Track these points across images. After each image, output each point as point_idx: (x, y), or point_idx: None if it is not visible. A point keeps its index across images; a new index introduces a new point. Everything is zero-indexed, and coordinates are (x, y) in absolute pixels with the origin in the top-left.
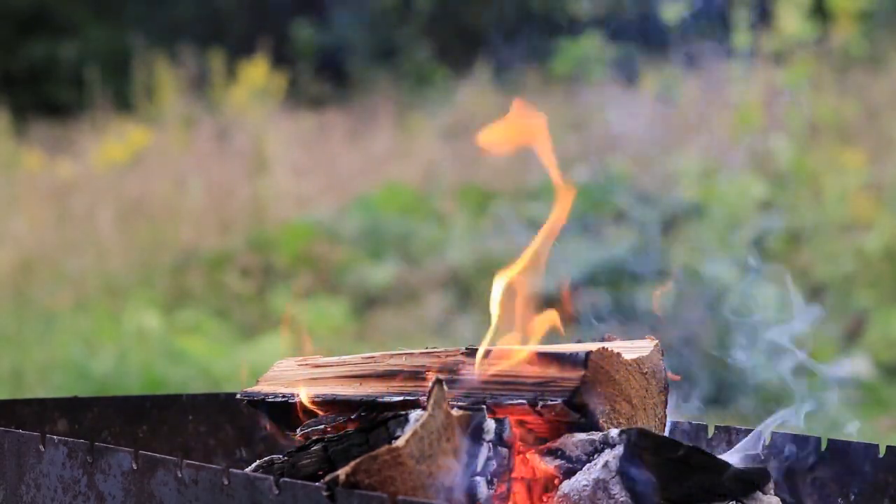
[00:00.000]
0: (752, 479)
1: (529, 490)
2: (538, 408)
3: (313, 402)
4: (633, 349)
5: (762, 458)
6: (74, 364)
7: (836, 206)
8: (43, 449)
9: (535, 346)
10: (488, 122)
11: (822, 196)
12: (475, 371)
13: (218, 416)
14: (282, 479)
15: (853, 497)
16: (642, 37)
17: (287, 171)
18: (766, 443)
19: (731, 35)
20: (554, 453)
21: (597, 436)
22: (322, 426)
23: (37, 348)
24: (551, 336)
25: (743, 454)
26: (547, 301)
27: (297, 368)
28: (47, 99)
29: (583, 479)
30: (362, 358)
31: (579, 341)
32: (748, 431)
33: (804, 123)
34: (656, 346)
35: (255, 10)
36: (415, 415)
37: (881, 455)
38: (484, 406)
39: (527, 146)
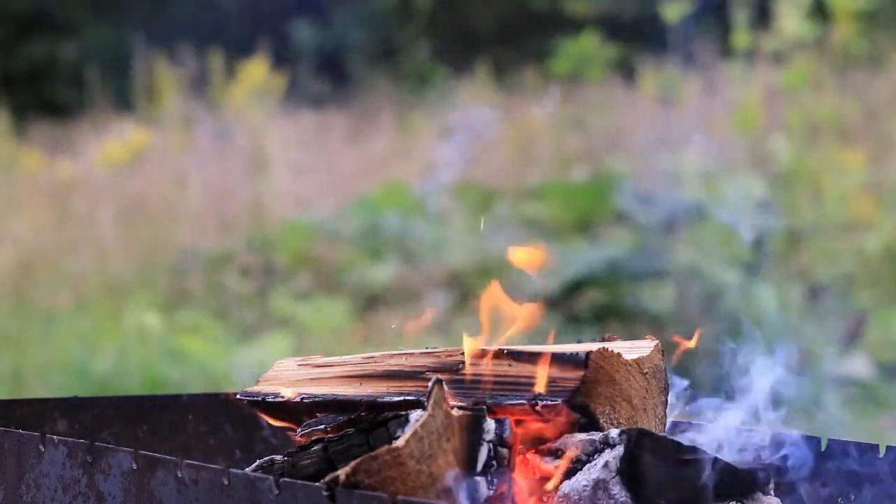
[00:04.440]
0: (752, 479)
1: (529, 490)
2: (538, 408)
3: (312, 403)
4: (634, 349)
5: (762, 458)
6: (74, 364)
7: (836, 206)
8: (43, 449)
9: (536, 346)
10: (488, 122)
11: (822, 196)
12: (476, 371)
13: (218, 416)
14: (282, 479)
15: (853, 497)
16: (642, 37)
17: (287, 171)
18: (766, 442)
19: (731, 35)
20: (554, 453)
21: (597, 436)
22: (322, 426)
23: (37, 348)
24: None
25: (743, 454)
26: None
27: (297, 368)
28: (47, 99)
29: (583, 479)
30: (362, 358)
31: (579, 341)
32: (748, 431)
33: (804, 123)
34: (657, 346)
35: (255, 10)
36: (415, 415)
37: (881, 455)
38: (484, 406)
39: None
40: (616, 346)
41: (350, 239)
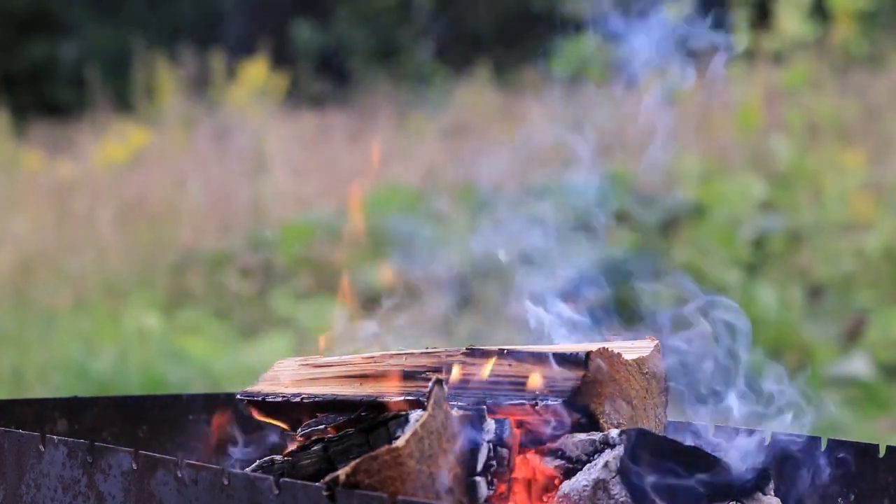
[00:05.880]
0: (752, 479)
1: (529, 490)
2: (538, 408)
3: (312, 403)
4: (634, 349)
5: (762, 458)
6: (74, 364)
7: (836, 206)
8: (43, 449)
9: (536, 346)
10: (488, 121)
11: (822, 196)
12: (476, 371)
13: (218, 416)
14: (282, 479)
15: (853, 497)
16: (642, 37)
17: (287, 171)
18: (766, 442)
19: (731, 35)
20: (554, 453)
21: (597, 436)
22: (322, 426)
23: (37, 348)
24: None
25: (743, 454)
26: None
27: (298, 368)
28: (47, 99)
29: (583, 479)
30: (362, 358)
31: (579, 341)
32: (748, 431)
33: (804, 123)
34: (657, 346)
35: (255, 10)
36: (415, 415)
37: (881, 455)
38: (484, 406)
39: None
40: (616, 346)
41: (350, 239)
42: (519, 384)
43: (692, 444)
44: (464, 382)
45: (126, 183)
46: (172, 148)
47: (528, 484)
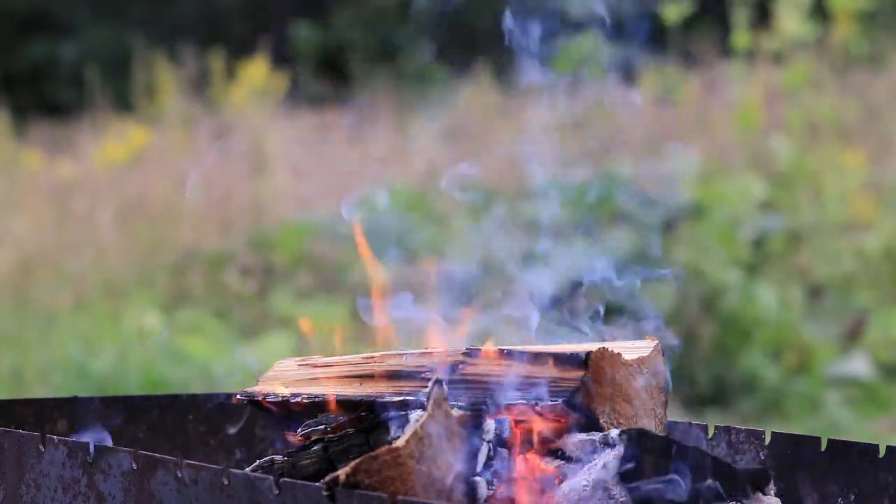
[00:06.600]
0: (753, 480)
1: (529, 490)
2: (538, 408)
3: (312, 403)
4: (634, 349)
5: (762, 458)
6: (74, 364)
7: (836, 206)
8: (43, 449)
9: (536, 347)
10: (488, 121)
11: (822, 196)
12: (476, 371)
13: (218, 416)
14: (282, 479)
15: (853, 497)
16: (642, 36)
17: (287, 171)
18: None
19: (731, 35)
20: (554, 453)
21: (597, 436)
22: (322, 426)
23: (37, 348)
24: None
25: (743, 454)
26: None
27: (297, 368)
28: (47, 99)
29: (583, 479)
30: (362, 358)
31: (580, 341)
32: (748, 431)
33: (804, 123)
34: (657, 346)
35: (255, 10)
36: (415, 415)
37: (881, 455)
38: (484, 406)
39: None
40: (616, 346)
41: (350, 239)
42: (519, 384)
43: (692, 444)
44: (464, 382)
45: (126, 183)
46: (172, 148)
47: (528, 484)
